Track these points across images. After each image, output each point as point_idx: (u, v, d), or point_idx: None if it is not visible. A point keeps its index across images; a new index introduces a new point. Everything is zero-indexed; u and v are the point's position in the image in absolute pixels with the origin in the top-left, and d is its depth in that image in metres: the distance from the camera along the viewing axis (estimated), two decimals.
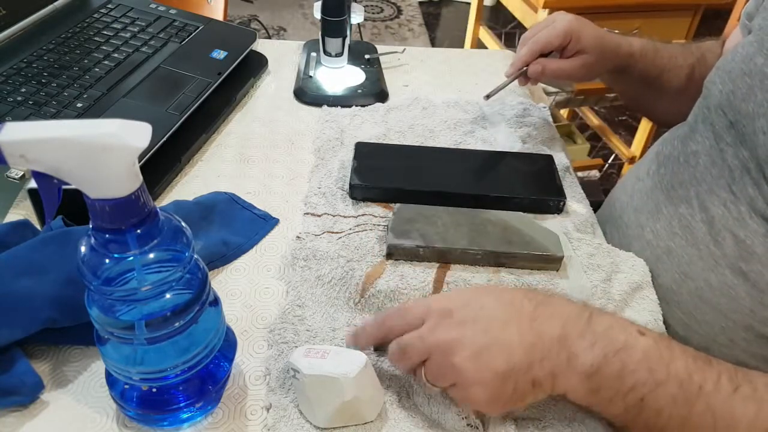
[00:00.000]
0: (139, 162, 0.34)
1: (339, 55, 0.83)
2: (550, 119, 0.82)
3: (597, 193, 1.96)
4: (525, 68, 0.72)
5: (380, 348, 0.50)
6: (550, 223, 0.64)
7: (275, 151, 0.73)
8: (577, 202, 0.68)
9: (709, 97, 0.60)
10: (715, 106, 0.58)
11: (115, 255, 0.35)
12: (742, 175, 0.54)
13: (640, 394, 0.41)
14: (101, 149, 0.31)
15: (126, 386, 0.42)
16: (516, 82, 0.74)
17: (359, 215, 0.63)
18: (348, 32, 0.82)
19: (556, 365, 0.42)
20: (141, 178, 0.34)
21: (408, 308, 0.45)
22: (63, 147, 0.31)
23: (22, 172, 0.55)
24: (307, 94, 0.82)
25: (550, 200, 0.66)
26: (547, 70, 0.72)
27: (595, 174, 2.11)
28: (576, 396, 0.43)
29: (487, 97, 0.74)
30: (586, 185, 0.74)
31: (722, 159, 0.56)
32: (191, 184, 0.66)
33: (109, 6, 0.85)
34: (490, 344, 0.41)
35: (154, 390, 0.42)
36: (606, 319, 0.44)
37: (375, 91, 0.83)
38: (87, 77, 0.71)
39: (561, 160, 0.73)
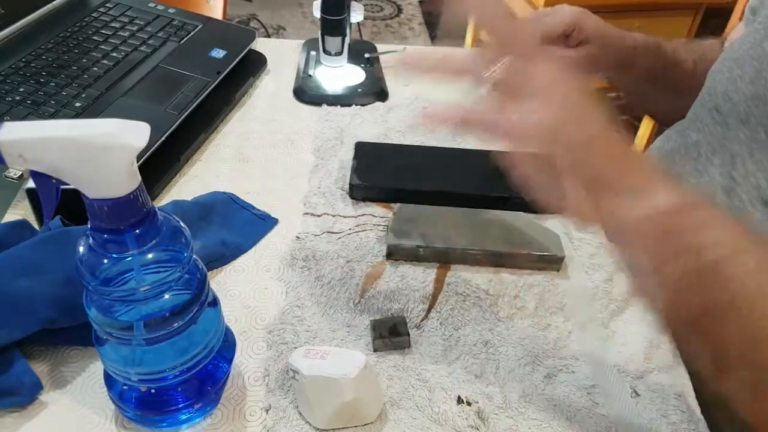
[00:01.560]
0: (138, 162, 0.34)
1: (339, 54, 0.83)
2: None
3: None
4: None
5: (380, 349, 0.50)
6: (551, 223, 0.64)
7: (275, 150, 0.72)
8: None
9: (713, 86, 0.60)
10: (721, 92, 0.58)
11: (114, 255, 0.35)
12: (744, 161, 0.54)
13: (716, 255, 0.34)
14: (100, 149, 0.31)
15: (125, 387, 0.42)
16: None
17: (359, 215, 0.63)
18: (348, 31, 0.82)
19: (635, 170, 0.37)
20: (139, 177, 0.34)
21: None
22: (61, 147, 0.31)
23: (21, 172, 0.55)
24: (306, 93, 0.81)
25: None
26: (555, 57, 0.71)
27: None
28: (635, 233, 0.37)
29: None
30: None
31: (722, 146, 0.56)
32: (190, 184, 0.66)
33: (108, 5, 0.84)
34: (585, 109, 0.38)
35: (153, 391, 0.42)
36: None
37: (375, 91, 0.83)
38: (85, 76, 0.71)
39: None
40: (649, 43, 0.73)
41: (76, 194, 0.33)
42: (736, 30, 0.72)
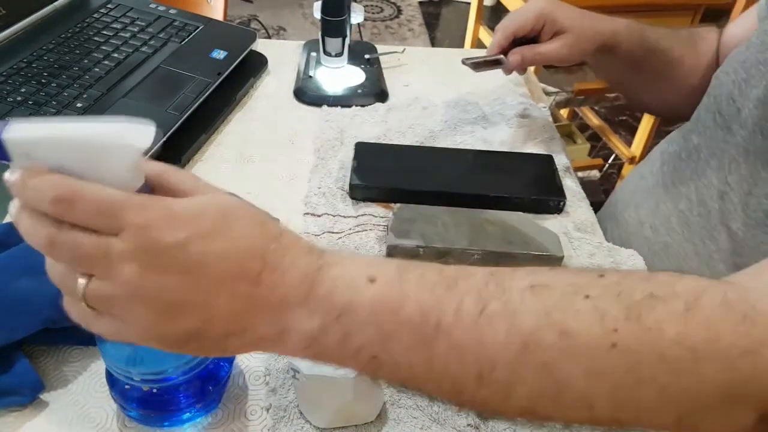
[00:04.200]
0: None
1: (339, 55, 0.83)
2: (550, 119, 0.82)
3: (597, 193, 1.97)
4: (504, 58, 0.70)
5: None
6: (550, 223, 0.64)
7: (275, 151, 0.73)
8: (577, 202, 0.68)
9: (719, 87, 0.59)
10: (726, 95, 0.57)
11: None
12: (738, 165, 0.53)
13: (370, 353, 0.34)
14: (106, 148, 0.31)
15: (126, 387, 0.42)
16: (503, 70, 0.73)
17: (359, 215, 0.63)
18: (348, 32, 0.82)
19: (265, 336, 0.35)
20: (144, 177, 0.34)
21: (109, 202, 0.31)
22: (68, 145, 0.31)
23: None
24: (307, 94, 0.82)
25: (550, 200, 0.66)
26: (526, 57, 0.69)
27: (595, 174, 2.11)
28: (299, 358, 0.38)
29: (466, 61, 0.72)
30: (586, 185, 0.74)
31: (722, 150, 0.56)
32: None
33: (109, 6, 0.85)
34: (188, 302, 0.32)
35: (155, 390, 0.42)
36: (334, 272, 0.35)
37: (375, 91, 0.83)
38: (87, 77, 0.71)
39: (561, 160, 0.73)
40: (631, 28, 0.71)
41: None
42: (736, 24, 0.71)
